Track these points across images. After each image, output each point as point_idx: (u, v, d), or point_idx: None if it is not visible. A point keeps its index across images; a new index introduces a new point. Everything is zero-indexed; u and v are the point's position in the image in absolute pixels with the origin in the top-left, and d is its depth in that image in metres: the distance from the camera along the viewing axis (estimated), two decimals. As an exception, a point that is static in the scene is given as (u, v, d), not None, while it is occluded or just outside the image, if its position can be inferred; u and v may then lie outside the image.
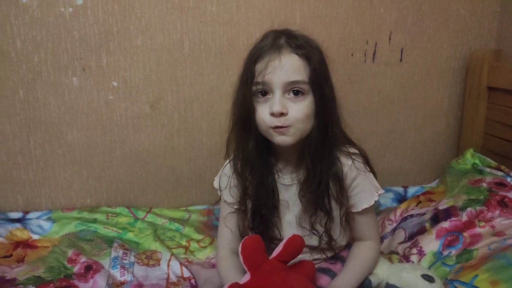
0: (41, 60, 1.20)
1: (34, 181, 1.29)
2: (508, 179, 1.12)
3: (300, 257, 0.84)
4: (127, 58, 1.23)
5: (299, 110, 0.75)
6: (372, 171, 0.85)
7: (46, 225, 1.20)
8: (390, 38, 1.34)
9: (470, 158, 1.29)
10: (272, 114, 0.75)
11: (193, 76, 1.28)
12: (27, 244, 1.13)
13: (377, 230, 0.89)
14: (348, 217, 0.85)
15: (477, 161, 1.27)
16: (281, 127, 0.75)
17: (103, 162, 1.30)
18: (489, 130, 1.32)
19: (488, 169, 1.20)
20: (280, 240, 0.81)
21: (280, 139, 0.77)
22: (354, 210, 0.84)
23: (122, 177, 1.33)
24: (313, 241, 0.84)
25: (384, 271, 0.84)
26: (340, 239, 0.86)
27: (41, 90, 1.22)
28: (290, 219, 0.86)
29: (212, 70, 1.28)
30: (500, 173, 1.16)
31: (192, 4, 1.23)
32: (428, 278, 0.81)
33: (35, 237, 1.16)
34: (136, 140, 1.30)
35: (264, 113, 0.76)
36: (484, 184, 1.10)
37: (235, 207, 0.88)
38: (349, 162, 0.82)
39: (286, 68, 0.74)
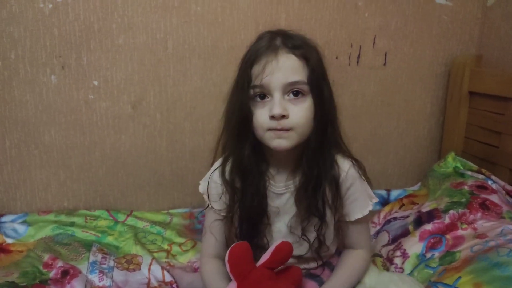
0: (18, 57, 1.16)
1: (9, 183, 1.24)
2: (489, 182, 1.13)
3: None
4: (108, 56, 1.20)
5: (300, 113, 0.73)
6: (367, 179, 0.83)
7: (21, 228, 1.15)
8: (374, 42, 1.35)
9: (451, 161, 1.30)
10: (273, 117, 0.72)
11: (176, 77, 1.26)
12: (0, 249, 1.08)
13: (369, 239, 0.88)
14: (341, 225, 0.84)
15: (458, 165, 1.28)
16: (281, 129, 0.73)
17: (82, 163, 1.27)
18: (470, 134, 1.34)
19: (469, 172, 1.21)
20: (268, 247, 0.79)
21: (277, 143, 0.74)
22: (347, 219, 0.82)
23: (101, 179, 1.29)
24: (302, 249, 0.82)
25: (371, 280, 0.83)
26: (332, 245, 0.84)
27: (18, 88, 1.18)
28: (280, 227, 0.84)
29: (196, 70, 1.26)
30: (481, 176, 1.17)
31: (176, 3, 1.21)
32: None
33: (9, 241, 1.11)
34: (116, 141, 1.27)
35: (262, 116, 0.73)
36: (466, 187, 1.12)
37: (223, 214, 0.85)
38: (346, 169, 0.80)
39: (284, 69, 0.72)
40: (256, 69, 0.74)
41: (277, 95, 0.72)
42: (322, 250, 0.83)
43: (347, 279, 0.81)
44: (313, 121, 0.75)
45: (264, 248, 0.80)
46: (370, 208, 0.82)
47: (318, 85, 0.74)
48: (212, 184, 0.85)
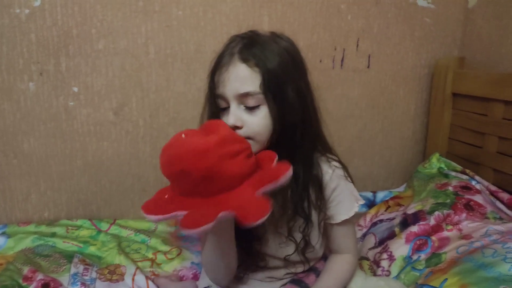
0: (-6, 64, 1.13)
1: (-14, 194, 1.20)
2: (473, 183, 1.14)
3: (272, 273, 0.81)
4: (88, 62, 1.18)
5: (254, 123, 0.71)
6: (351, 180, 0.83)
7: (0, 240, 1.12)
8: (357, 45, 1.36)
9: (436, 162, 1.31)
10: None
11: (158, 82, 1.24)
12: (-22, 262, 1.04)
13: (355, 243, 0.87)
14: (327, 228, 0.83)
15: (442, 165, 1.29)
16: None
17: (63, 172, 1.24)
18: (454, 135, 1.35)
19: (453, 173, 1.22)
20: (257, 248, 0.78)
21: None
22: (333, 221, 0.81)
23: (83, 187, 1.26)
24: (289, 249, 0.81)
25: (357, 286, 0.82)
26: (318, 247, 0.83)
27: (-6, 96, 1.15)
28: (266, 226, 0.82)
29: (179, 75, 1.24)
30: (465, 176, 1.18)
31: (157, 7, 1.19)
32: None
33: (-13, 253, 1.08)
34: (99, 148, 1.24)
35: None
36: (450, 188, 1.12)
37: None
38: (330, 170, 0.80)
39: (233, 79, 0.71)
40: (216, 78, 0.74)
41: (232, 104, 0.72)
42: (308, 251, 0.82)
43: (333, 284, 0.80)
44: (274, 127, 0.73)
45: (252, 249, 0.78)
46: (356, 209, 0.82)
47: (276, 93, 0.71)
48: None
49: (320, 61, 1.33)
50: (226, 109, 0.73)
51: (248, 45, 0.72)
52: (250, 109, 0.72)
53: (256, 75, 0.70)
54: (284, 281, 0.83)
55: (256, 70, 0.70)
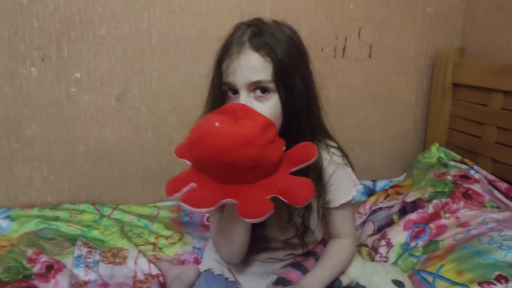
0: (-3, 49, 1.13)
1: (-10, 178, 1.21)
2: (472, 172, 1.15)
3: (273, 254, 0.82)
4: (90, 48, 1.18)
5: (265, 110, 0.72)
6: (351, 165, 0.84)
7: (4, 223, 1.13)
8: (359, 34, 1.36)
9: (435, 152, 1.32)
10: None
11: (161, 68, 1.24)
12: (-18, 244, 1.06)
13: (354, 228, 0.88)
14: (325, 213, 0.85)
15: (442, 155, 1.30)
16: None
17: (66, 158, 1.25)
18: (454, 125, 1.36)
19: (452, 163, 1.23)
20: (260, 231, 0.80)
21: None
22: (331, 206, 0.83)
23: (86, 173, 1.27)
24: (289, 233, 0.82)
25: (356, 270, 0.84)
26: (317, 231, 0.85)
27: (-3, 81, 1.15)
28: None
29: (181, 62, 1.25)
30: (464, 166, 1.19)
31: (160, -7, 1.19)
32: (398, 284, 0.81)
33: (-9, 236, 1.09)
34: (101, 134, 1.25)
35: None
36: (449, 177, 1.13)
37: None
38: (328, 156, 0.81)
39: (245, 68, 0.71)
40: (224, 66, 0.73)
41: (242, 93, 0.72)
42: (307, 235, 0.83)
43: (331, 269, 0.81)
44: (283, 116, 0.74)
45: (255, 232, 0.80)
46: (354, 193, 0.83)
47: (285, 81, 0.72)
48: None
49: (322, 50, 1.33)
50: (232, 96, 0.74)
51: (257, 34, 0.72)
52: (260, 97, 0.72)
53: (267, 64, 0.71)
54: (284, 262, 0.85)
55: (268, 60, 0.71)
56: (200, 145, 0.62)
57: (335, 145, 0.83)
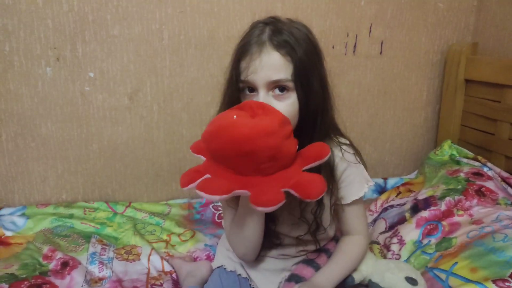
0: (13, 49, 1.15)
1: (6, 176, 1.24)
2: (485, 169, 1.14)
3: (286, 250, 0.83)
4: (104, 48, 1.20)
5: (283, 109, 0.72)
6: (363, 162, 0.84)
7: (20, 221, 1.15)
8: (370, 31, 1.35)
9: (447, 149, 1.31)
10: None
11: (172, 67, 1.25)
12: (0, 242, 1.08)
13: (366, 225, 0.88)
14: (338, 209, 0.85)
15: (454, 152, 1.29)
16: None
17: (80, 155, 1.27)
18: (466, 122, 1.35)
19: (465, 160, 1.22)
20: (272, 227, 0.81)
21: None
22: (343, 202, 0.83)
23: (99, 171, 1.29)
24: (301, 230, 0.83)
25: (368, 267, 0.84)
26: (329, 229, 0.85)
27: (13, 80, 1.17)
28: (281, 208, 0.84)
29: (192, 61, 1.26)
30: (477, 163, 1.18)
31: (171, -7, 1.20)
32: (412, 281, 0.81)
33: (8, 233, 1.11)
34: (114, 132, 1.27)
35: None
36: (462, 174, 1.13)
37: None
38: (340, 153, 0.81)
39: (267, 67, 0.71)
40: (243, 65, 0.74)
41: (261, 91, 0.73)
42: (319, 232, 0.84)
43: (344, 265, 0.81)
44: (300, 114, 0.75)
45: (267, 228, 0.81)
46: (366, 190, 0.83)
47: (304, 81, 0.73)
48: None
49: (333, 47, 1.33)
50: (249, 94, 0.75)
51: (277, 32, 0.73)
52: (279, 96, 0.73)
53: (288, 63, 0.72)
54: (296, 259, 0.85)
55: (288, 59, 0.72)
56: (221, 135, 0.63)
57: (347, 142, 0.84)
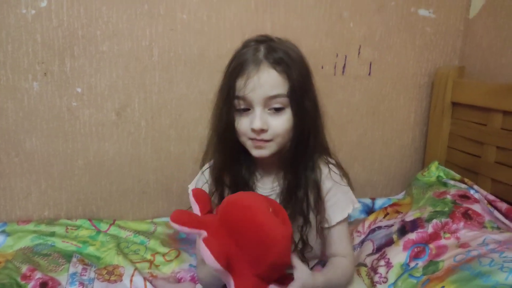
0: (0, 63, 1.14)
1: (-13, 191, 1.21)
2: (472, 192, 1.15)
3: None
4: (92, 63, 1.19)
5: (279, 125, 0.76)
6: (349, 183, 0.84)
7: (-1, 238, 1.12)
8: (359, 52, 1.37)
9: (434, 170, 1.32)
10: (253, 130, 0.75)
11: (161, 84, 1.25)
12: (-23, 260, 1.05)
13: (351, 248, 0.88)
14: (323, 232, 0.84)
15: (441, 174, 1.30)
16: (261, 140, 0.76)
17: (64, 171, 1.24)
18: (453, 144, 1.36)
19: (452, 182, 1.23)
20: None
21: (257, 152, 0.78)
22: (327, 225, 0.83)
23: (84, 187, 1.27)
24: None
25: None
26: (316, 247, 0.84)
27: (-2, 94, 1.15)
28: None
29: (182, 78, 1.25)
30: (463, 185, 1.19)
31: (162, 11, 1.20)
32: None
33: (-14, 251, 1.08)
34: (100, 148, 1.25)
35: (245, 126, 0.77)
36: (449, 196, 1.13)
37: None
38: (326, 171, 0.82)
39: (265, 85, 0.74)
40: (239, 83, 0.75)
41: (258, 108, 0.75)
42: (306, 250, 0.83)
43: (331, 276, 0.79)
44: (293, 131, 0.78)
45: None
46: (350, 211, 0.83)
47: (298, 98, 0.76)
48: (201, 181, 0.87)
49: (322, 67, 1.34)
50: (244, 110, 0.76)
51: (272, 51, 0.75)
52: (275, 111, 0.75)
53: (285, 81, 0.74)
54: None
55: (285, 76, 0.74)
56: (254, 225, 0.64)
57: (334, 162, 0.84)
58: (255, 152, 0.78)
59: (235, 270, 0.65)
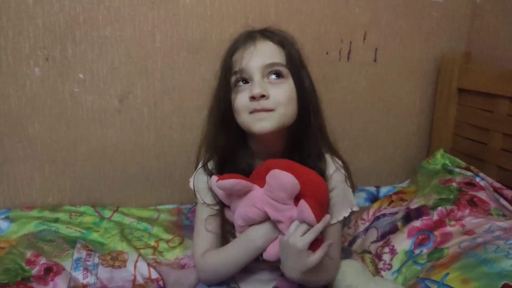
0: (1, 48, 1.12)
1: (-10, 178, 1.21)
2: (477, 179, 1.14)
3: (276, 262, 0.81)
4: (94, 49, 1.17)
5: (280, 93, 0.74)
6: (352, 185, 0.83)
7: (3, 224, 1.12)
8: (364, 38, 1.35)
9: (440, 158, 1.30)
10: (253, 98, 0.73)
11: (164, 70, 1.23)
12: (-19, 245, 1.05)
13: (339, 253, 0.84)
14: None
15: (447, 162, 1.28)
16: (262, 110, 0.73)
17: (67, 158, 1.24)
18: (459, 131, 1.35)
19: (457, 169, 1.22)
20: None
21: (259, 126, 0.74)
22: None
23: (87, 174, 1.26)
24: None
25: (352, 277, 0.82)
26: None
27: (0, 80, 1.14)
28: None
29: (184, 64, 1.24)
30: (469, 173, 1.18)
31: (164, -5, 1.18)
32: None
33: (-10, 237, 1.08)
34: (103, 135, 1.24)
35: (243, 98, 0.75)
36: (454, 184, 1.12)
37: (216, 208, 0.83)
38: (331, 171, 0.80)
39: (261, 52, 0.75)
40: (235, 57, 0.77)
41: (257, 77, 0.74)
42: None
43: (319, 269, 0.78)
44: (295, 106, 0.77)
45: None
46: (346, 214, 0.81)
47: (297, 71, 0.77)
48: (201, 176, 0.85)
49: (327, 53, 1.32)
50: (243, 86, 0.76)
51: (267, 31, 0.79)
52: (275, 82, 0.75)
53: (281, 51, 0.76)
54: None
55: (281, 47, 0.76)
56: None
57: (340, 163, 0.83)
58: (257, 126, 0.74)
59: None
